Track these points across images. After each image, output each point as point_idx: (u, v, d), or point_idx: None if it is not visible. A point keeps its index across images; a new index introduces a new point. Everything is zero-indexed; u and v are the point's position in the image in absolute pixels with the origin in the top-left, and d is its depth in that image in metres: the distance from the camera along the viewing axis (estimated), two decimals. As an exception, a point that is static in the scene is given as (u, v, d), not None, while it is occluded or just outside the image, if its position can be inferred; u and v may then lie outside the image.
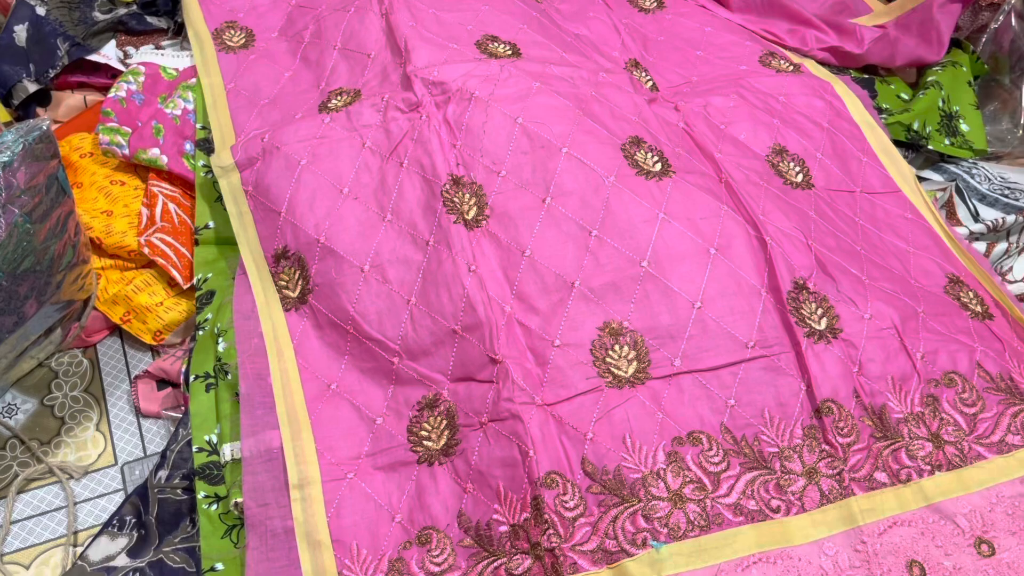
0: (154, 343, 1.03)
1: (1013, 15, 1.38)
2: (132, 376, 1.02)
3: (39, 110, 1.21)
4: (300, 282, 0.94)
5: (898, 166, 1.12)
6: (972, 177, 1.24)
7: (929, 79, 1.31)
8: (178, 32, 1.29)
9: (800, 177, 1.04)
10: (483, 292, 0.86)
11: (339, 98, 1.07)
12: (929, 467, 0.82)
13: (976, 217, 1.19)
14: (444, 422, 0.84)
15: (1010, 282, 1.08)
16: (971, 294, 0.97)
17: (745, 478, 0.80)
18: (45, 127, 0.87)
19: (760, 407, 0.83)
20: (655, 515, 0.76)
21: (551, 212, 0.91)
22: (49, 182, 0.89)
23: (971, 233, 1.14)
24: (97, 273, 1.04)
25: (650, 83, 1.16)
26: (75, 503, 0.91)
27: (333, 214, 0.94)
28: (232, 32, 1.20)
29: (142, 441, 0.97)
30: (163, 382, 1.01)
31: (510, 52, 1.08)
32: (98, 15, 1.26)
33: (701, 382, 0.84)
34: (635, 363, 0.85)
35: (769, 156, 1.05)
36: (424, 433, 0.84)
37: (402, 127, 0.98)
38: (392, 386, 0.88)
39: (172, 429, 0.95)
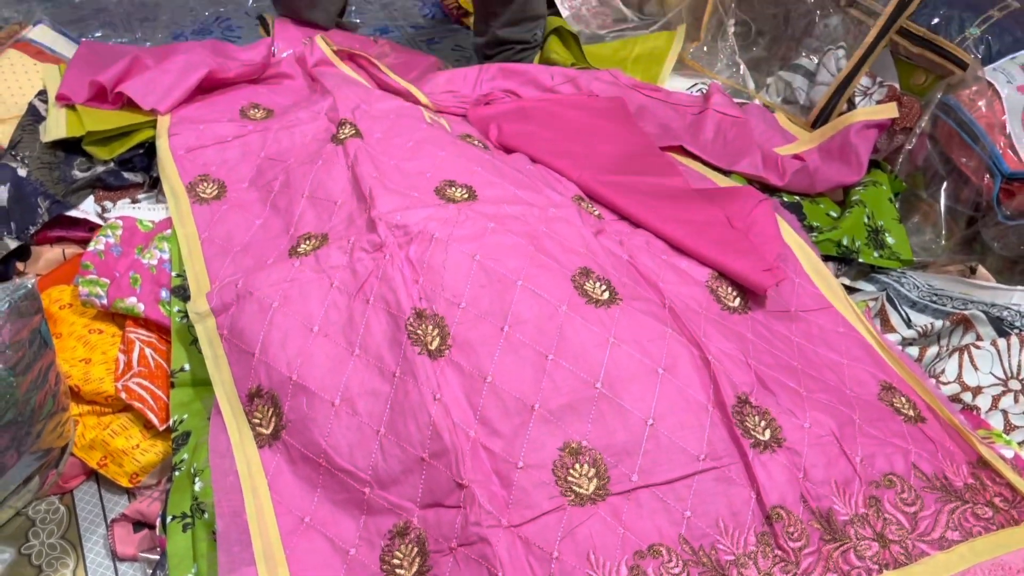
0: (130, 486, 1.05)
1: (926, 137, 1.51)
2: (109, 520, 1.04)
3: (18, 264, 1.27)
4: (273, 419, 0.99)
5: (828, 283, 1.21)
6: (902, 286, 1.34)
7: (853, 198, 1.42)
8: (153, 185, 1.36)
9: (737, 301, 1.12)
10: (448, 419, 0.91)
11: (308, 242, 1.14)
12: (877, 566, 0.86)
13: (909, 323, 1.28)
14: (415, 549, 0.87)
15: (943, 384, 1.15)
16: (903, 399, 1.04)
17: (704, 587, 0.84)
18: (31, 285, 0.93)
19: (715, 517, 0.88)
20: (621, 629, 0.80)
21: (509, 339, 0.98)
22: (32, 336, 0.94)
23: (904, 339, 1.22)
24: (75, 420, 1.08)
25: (597, 213, 1.25)
26: (52, 653, 0.91)
27: (304, 352, 1.00)
28: (205, 185, 1.28)
29: (119, 585, 0.98)
30: (140, 524, 1.03)
31: (467, 195, 1.16)
32: (77, 173, 1.34)
33: (658, 495, 0.89)
34: (595, 480, 0.90)
35: (708, 281, 1.13)
36: (396, 561, 0.88)
37: (367, 266, 1.05)
38: (364, 516, 0.91)
39: (149, 572, 0.97)
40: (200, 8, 2.14)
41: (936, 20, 1.57)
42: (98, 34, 1.99)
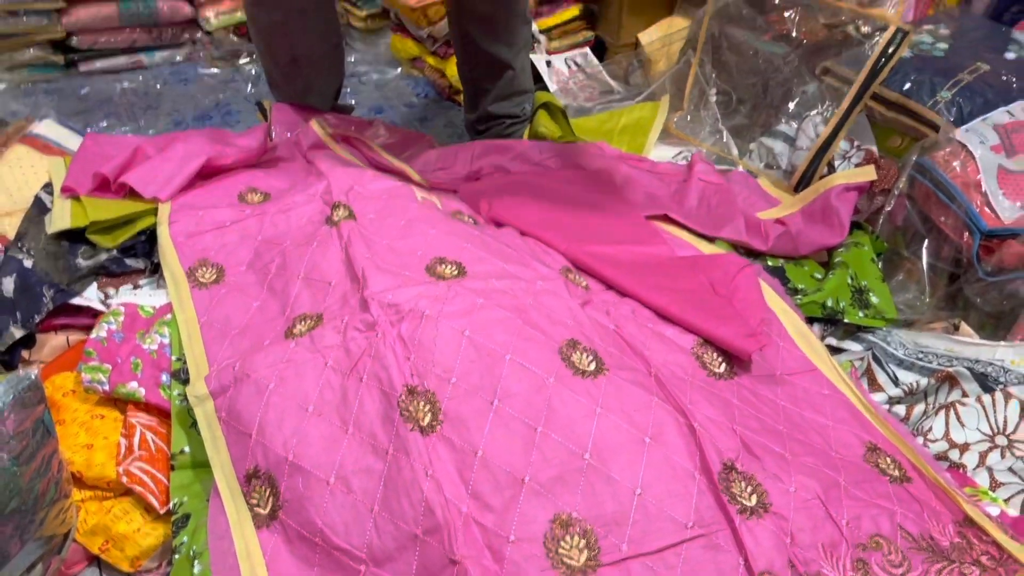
0: (132, 570, 1.07)
1: (904, 197, 1.55)
2: (110, 605, 1.05)
3: (24, 352, 1.30)
4: (271, 499, 1.01)
5: (812, 346, 1.24)
6: (888, 344, 1.36)
7: (836, 260, 1.46)
8: (154, 271, 1.40)
9: (723, 367, 1.15)
10: (440, 495, 0.93)
11: (303, 323, 1.17)
12: (867, 629, 0.87)
13: (896, 382, 1.30)
14: (410, 626, 0.88)
15: (931, 441, 1.16)
16: (888, 460, 1.06)
17: (695, 656, 0.84)
18: (34, 376, 0.96)
19: (704, 585, 0.89)
20: None
21: (499, 413, 1.00)
22: (35, 426, 0.97)
23: (890, 398, 1.24)
24: (77, 505, 1.10)
25: (584, 284, 1.29)
26: None
27: (300, 432, 1.02)
28: (204, 269, 1.32)
29: (120, 671, 0.99)
30: (140, 609, 1.04)
31: (456, 272, 1.20)
32: (81, 262, 1.38)
33: (648, 565, 0.90)
34: (586, 551, 0.91)
35: (694, 348, 1.16)
36: (392, 639, 0.89)
37: (360, 345, 1.08)
38: (360, 594, 0.92)
39: (149, 656, 0.98)
40: (201, 96, 2.22)
41: (908, 85, 1.63)
42: (103, 124, 2.07)
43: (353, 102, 2.20)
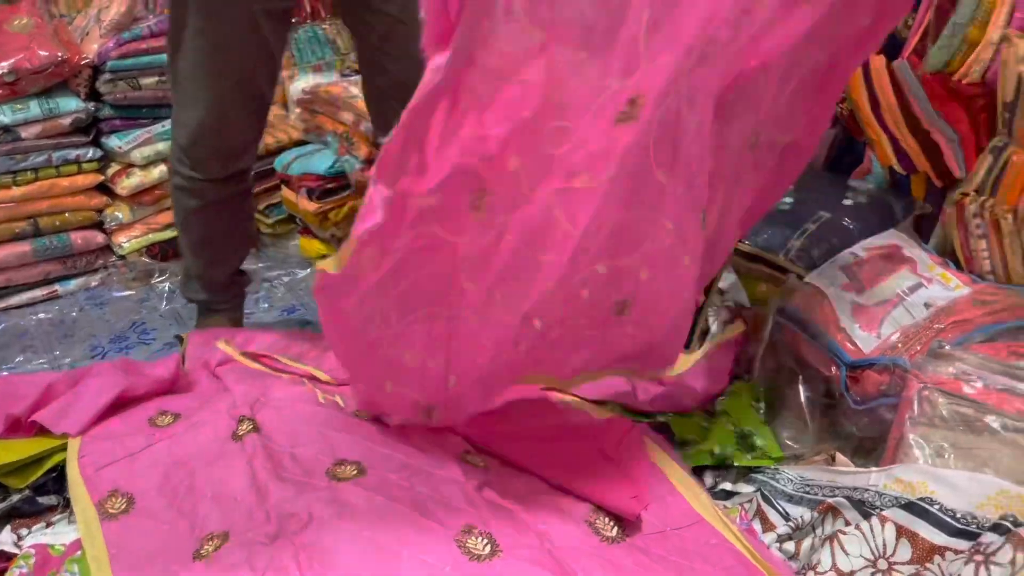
0: None
1: (775, 340, 1.69)
2: None
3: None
4: None
5: (698, 497, 1.32)
6: (777, 481, 1.44)
7: (718, 409, 1.56)
8: (67, 506, 1.43)
9: (615, 531, 1.21)
10: None
11: (211, 543, 1.21)
12: None
13: (787, 518, 1.37)
14: None
15: (820, 574, 1.23)
16: (774, 602, 1.12)
17: None
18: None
19: None
20: None
21: (401, 611, 1.04)
22: None
23: (779, 536, 1.31)
24: None
25: (482, 464, 1.36)
26: None
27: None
28: (114, 500, 1.35)
29: None
30: None
31: (355, 472, 1.27)
32: (-8, 508, 1.40)
33: None
34: None
35: (587, 516, 1.23)
36: None
37: (264, 561, 1.12)
38: None
39: None
40: (116, 319, 2.30)
41: (764, 236, 1.80)
42: (19, 358, 2.11)
43: (266, 306, 2.31)
